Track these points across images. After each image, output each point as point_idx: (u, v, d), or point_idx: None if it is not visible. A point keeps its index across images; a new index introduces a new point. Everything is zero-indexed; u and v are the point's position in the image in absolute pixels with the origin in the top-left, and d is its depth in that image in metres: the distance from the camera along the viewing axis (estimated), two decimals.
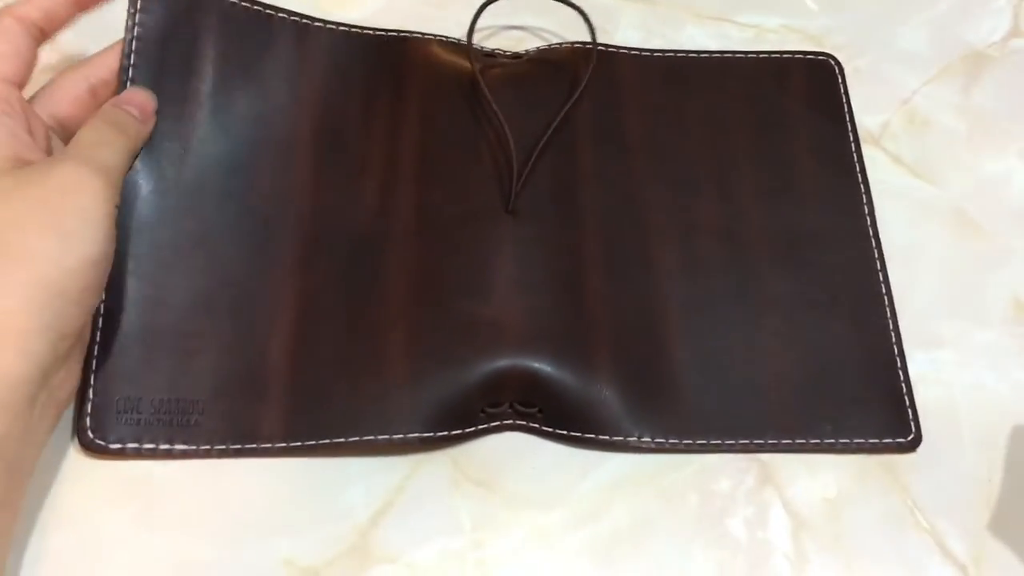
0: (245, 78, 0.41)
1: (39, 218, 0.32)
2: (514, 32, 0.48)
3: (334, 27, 0.43)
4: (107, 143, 0.35)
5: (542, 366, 0.37)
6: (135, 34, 0.39)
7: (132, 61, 0.38)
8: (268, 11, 0.42)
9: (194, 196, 0.39)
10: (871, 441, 0.39)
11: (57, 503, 0.35)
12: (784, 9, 0.50)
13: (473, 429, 0.37)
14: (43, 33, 0.37)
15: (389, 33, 0.45)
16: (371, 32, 0.44)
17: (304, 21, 0.43)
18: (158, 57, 0.39)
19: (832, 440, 0.38)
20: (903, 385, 0.40)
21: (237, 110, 0.40)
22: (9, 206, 0.32)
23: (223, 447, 0.36)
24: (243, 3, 0.42)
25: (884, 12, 0.50)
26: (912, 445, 0.39)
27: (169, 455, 0.36)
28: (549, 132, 0.41)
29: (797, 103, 0.46)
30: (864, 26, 0.49)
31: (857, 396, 0.39)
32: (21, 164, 0.33)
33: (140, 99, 0.38)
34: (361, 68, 0.43)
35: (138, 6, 0.39)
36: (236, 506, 0.36)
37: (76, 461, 0.35)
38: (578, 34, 0.45)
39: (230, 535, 0.35)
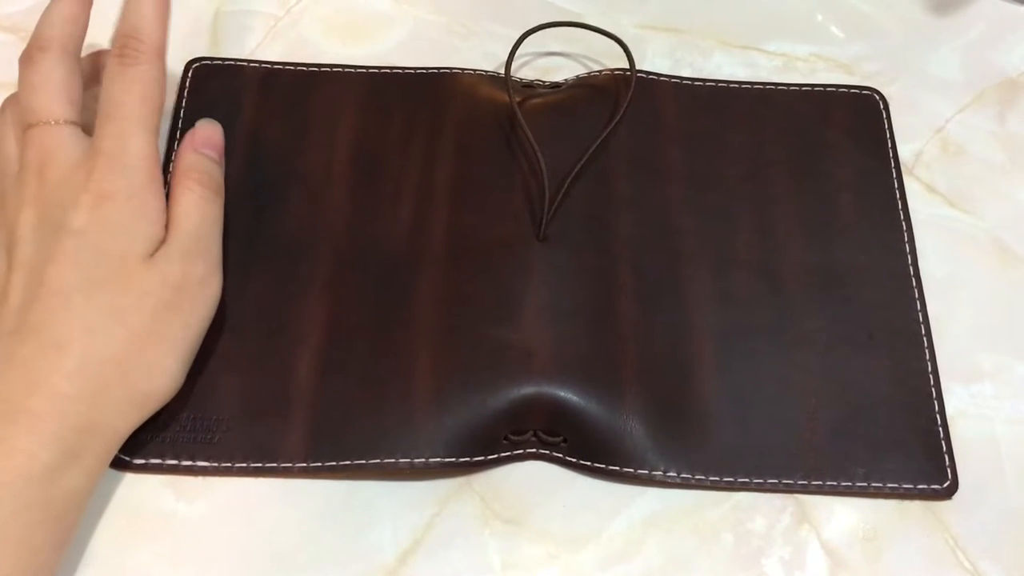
0: (283, 119, 0.43)
1: (184, 344, 0.35)
2: (551, 59, 0.47)
3: (375, 71, 0.45)
4: (220, 236, 0.38)
5: (568, 394, 0.37)
6: (182, 115, 0.43)
7: (181, 126, 0.42)
8: (312, 68, 0.45)
9: (228, 219, 0.39)
10: (904, 487, 0.37)
11: (81, 542, 0.34)
12: (813, 37, 0.49)
13: (496, 456, 0.37)
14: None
15: (430, 70, 0.45)
16: (412, 71, 0.45)
17: (347, 70, 0.45)
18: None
19: (864, 484, 0.37)
20: (940, 430, 0.38)
21: (274, 144, 0.42)
22: (179, 309, 0.35)
23: (244, 465, 0.36)
24: (288, 68, 0.45)
25: (914, 40, 0.49)
26: (948, 492, 0.37)
27: (191, 471, 0.36)
28: (584, 159, 0.41)
29: (840, 138, 0.45)
30: (894, 54, 0.49)
31: (892, 440, 0.38)
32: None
33: (217, 140, 0.40)
34: (400, 102, 0.44)
35: (185, 94, 0.44)
36: (261, 544, 0.35)
37: (99, 500, 0.35)
38: (616, 60, 0.45)
39: (255, 574, 0.35)
